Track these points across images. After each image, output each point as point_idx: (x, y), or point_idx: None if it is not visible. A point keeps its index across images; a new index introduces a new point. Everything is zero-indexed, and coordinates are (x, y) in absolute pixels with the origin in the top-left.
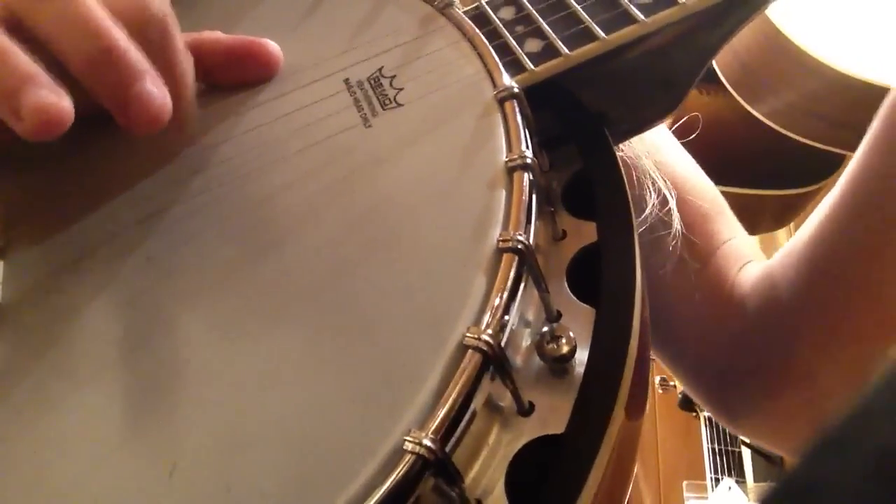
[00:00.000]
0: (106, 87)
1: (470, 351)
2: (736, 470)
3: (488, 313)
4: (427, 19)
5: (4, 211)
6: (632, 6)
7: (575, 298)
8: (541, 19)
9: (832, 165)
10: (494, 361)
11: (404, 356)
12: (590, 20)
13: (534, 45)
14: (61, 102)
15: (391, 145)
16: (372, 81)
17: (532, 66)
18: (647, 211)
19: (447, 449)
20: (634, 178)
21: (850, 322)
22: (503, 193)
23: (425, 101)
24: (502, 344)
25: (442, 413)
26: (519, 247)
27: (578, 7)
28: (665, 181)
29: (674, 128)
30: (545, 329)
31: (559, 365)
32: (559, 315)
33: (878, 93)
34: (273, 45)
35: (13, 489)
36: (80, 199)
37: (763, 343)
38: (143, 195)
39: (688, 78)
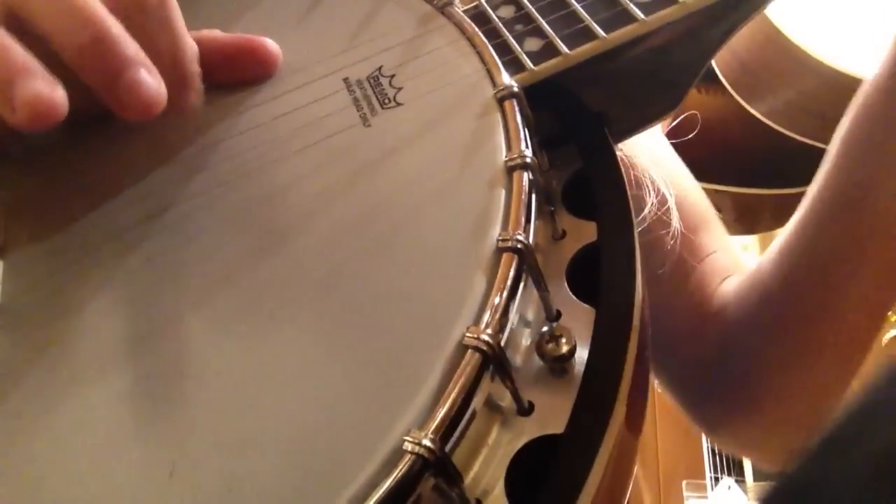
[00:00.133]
0: (98, 75)
1: (469, 351)
2: (735, 469)
3: (488, 313)
4: (426, 18)
5: (4, 209)
6: (632, 5)
7: (575, 298)
8: (540, 18)
9: None
10: (494, 361)
11: (404, 356)
12: (589, 19)
13: (533, 43)
14: (55, 93)
15: (391, 144)
16: (371, 80)
17: (532, 66)
18: (646, 211)
19: (447, 449)
20: (632, 177)
21: (815, 343)
22: (503, 193)
23: (425, 101)
24: (502, 344)
25: (441, 413)
26: (518, 246)
27: (578, 6)
28: (664, 181)
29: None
30: (545, 329)
31: (559, 364)
32: (559, 314)
33: None
34: (272, 44)
35: (13, 489)
36: (81, 197)
37: (734, 359)
38: (144, 194)
39: (688, 76)
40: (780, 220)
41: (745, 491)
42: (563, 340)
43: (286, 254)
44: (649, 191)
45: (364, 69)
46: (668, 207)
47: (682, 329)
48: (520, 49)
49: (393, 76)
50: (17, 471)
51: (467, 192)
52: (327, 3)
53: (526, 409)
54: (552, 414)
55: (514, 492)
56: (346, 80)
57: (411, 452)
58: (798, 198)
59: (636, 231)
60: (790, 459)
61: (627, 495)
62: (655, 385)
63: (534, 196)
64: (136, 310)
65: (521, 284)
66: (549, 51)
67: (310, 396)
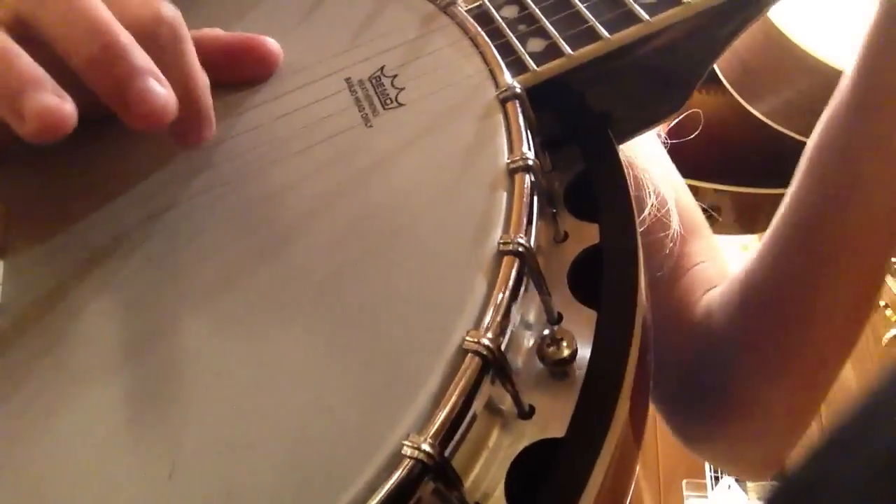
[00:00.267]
0: (107, 84)
1: (469, 355)
2: None
3: (488, 316)
4: (429, 18)
5: (5, 210)
6: (636, 5)
7: (576, 301)
8: (544, 18)
9: None
10: (494, 365)
11: (404, 359)
12: (593, 20)
13: (537, 44)
14: (64, 106)
15: (392, 146)
16: (373, 81)
17: (535, 67)
18: (646, 212)
19: (446, 453)
20: (632, 177)
21: (787, 355)
22: (504, 195)
23: (427, 101)
24: (502, 347)
25: (441, 417)
26: (520, 249)
27: (582, 6)
28: (664, 181)
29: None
30: (546, 332)
31: (560, 368)
32: (560, 317)
33: None
34: (272, 43)
35: (13, 490)
36: (82, 197)
37: (711, 371)
38: (145, 194)
39: (694, 76)
40: None
41: (745, 490)
42: (565, 344)
43: (286, 256)
44: (649, 192)
45: (366, 69)
46: (668, 209)
47: (662, 339)
48: (523, 50)
49: (395, 76)
50: (17, 472)
51: (469, 195)
52: (329, 2)
53: (526, 413)
54: (553, 417)
55: (514, 494)
56: (347, 80)
57: (410, 457)
58: None
59: (639, 234)
60: (764, 473)
61: (629, 498)
62: None
63: (535, 198)
64: (137, 311)
65: (523, 288)
66: (553, 52)
67: (309, 399)
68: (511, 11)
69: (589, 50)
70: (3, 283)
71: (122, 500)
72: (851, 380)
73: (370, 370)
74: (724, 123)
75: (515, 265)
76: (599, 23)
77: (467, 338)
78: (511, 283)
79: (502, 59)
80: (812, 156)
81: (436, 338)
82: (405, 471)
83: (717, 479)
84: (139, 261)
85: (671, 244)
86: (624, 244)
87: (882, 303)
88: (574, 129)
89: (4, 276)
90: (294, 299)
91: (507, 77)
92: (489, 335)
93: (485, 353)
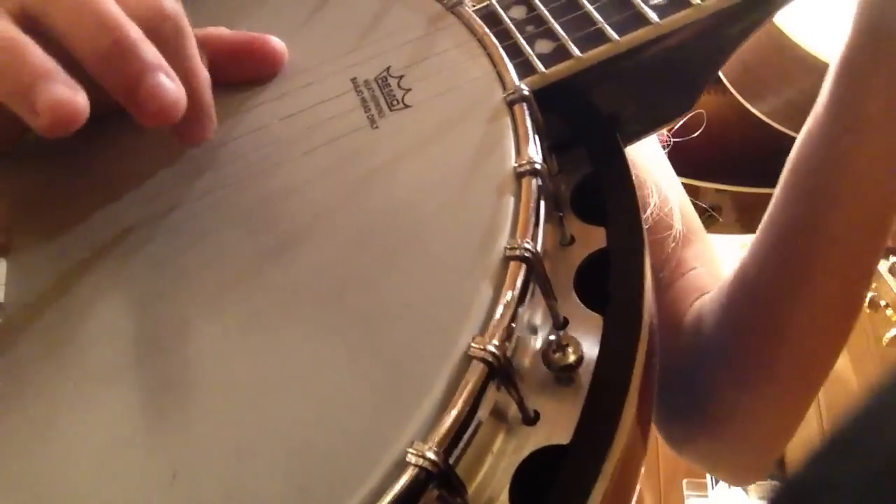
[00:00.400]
0: (118, 79)
1: (475, 361)
2: None
3: (494, 323)
4: (436, 18)
5: (8, 206)
6: (646, 7)
7: (582, 305)
8: (552, 20)
9: None
10: (500, 372)
11: (409, 365)
12: (603, 21)
13: (545, 46)
14: (77, 98)
15: (399, 148)
16: (379, 81)
17: (543, 69)
18: (649, 211)
19: (451, 461)
20: (634, 177)
21: (769, 366)
22: (511, 200)
23: (433, 103)
24: (508, 354)
25: (446, 425)
26: (526, 255)
27: (591, 7)
28: (666, 182)
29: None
30: (552, 338)
31: (565, 374)
32: (566, 322)
33: None
34: (277, 42)
35: (15, 491)
36: (86, 197)
37: (697, 378)
38: (150, 193)
39: (702, 78)
40: None
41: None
42: (570, 350)
43: (291, 261)
44: (651, 191)
45: (372, 69)
46: (671, 209)
47: None
48: (531, 51)
49: (402, 77)
50: (20, 472)
51: (475, 199)
52: (335, 1)
53: (531, 419)
54: (558, 423)
55: (518, 500)
56: (353, 80)
57: (415, 465)
58: None
59: (646, 238)
60: (749, 479)
61: (633, 502)
62: None
63: (542, 203)
64: (143, 313)
65: (529, 293)
66: (561, 53)
67: (314, 405)
68: (519, 12)
69: (598, 52)
70: (9, 283)
71: (123, 502)
72: (852, 380)
73: (375, 376)
74: (725, 123)
75: (522, 271)
76: (608, 24)
77: (473, 344)
78: (517, 289)
79: (510, 60)
80: (789, 173)
81: (441, 344)
82: (409, 478)
83: (717, 478)
84: (144, 262)
85: (673, 244)
86: (631, 249)
87: (882, 302)
88: (581, 131)
89: (11, 275)
90: (299, 305)
91: (515, 79)
92: (495, 342)
93: (490, 359)
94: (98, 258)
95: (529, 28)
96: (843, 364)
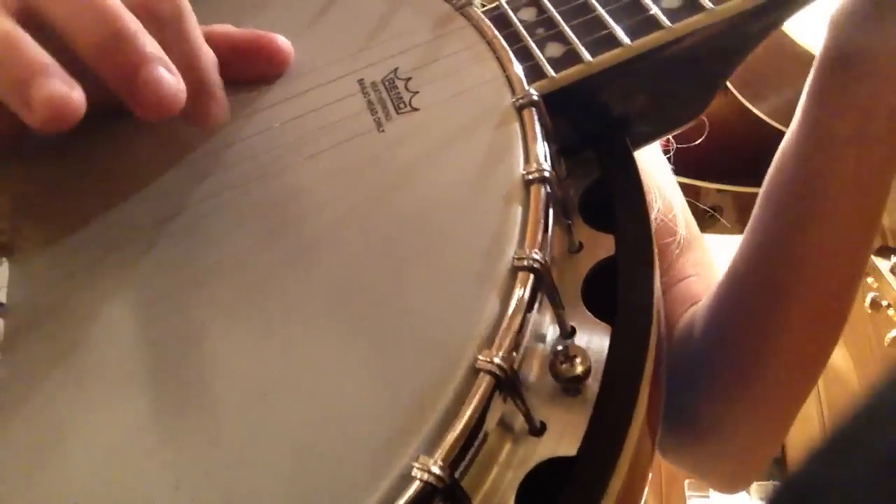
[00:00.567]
0: (116, 71)
1: (482, 374)
2: None
3: (501, 334)
4: (445, 19)
5: (11, 204)
6: (658, 11)
7: (590, 314)
8: (563, 23)
9: None
10: (506, 384)
11: (416, 377)
12: (614, 25)
13: (555, 49)
14: (73, 94)
15: (405, 154)
16: (386, 83)
17: (553, 73)
18: (653, 216)
19: (456, 475)
20: None
21: (752, 379)
22: (519, 210)
23: (441, 107)
24: (515, 366)
25: (451, 439)
26: (535, 266)
27: (603, 11)
28: (669, 186)
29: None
30: (559, 348)
31: (573, 385)
32: (573, 330)
33: None
34: (283, 40)
35: (17, 493)
36: (91, 198)
37: (679, 387)
38: (156, 195)
39: (717, 79)
40: None
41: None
42: (578, 360)
43: (299, 268)
44: (655, 196)
45: (379, 71)
46: (675, 214)
47: None
48: (541, 55)
49: (409, 79)
50: (23, 476)
51: (483, 207)
52: (341, 2)
53: (538, 429)
54: (565, 434)
55: None
56: (360, 81)
57: (420, 480)
58: None
59: (655, 247)
60: (736, 488)
61: None
62: None
63: (551, 212)
64: (151, 318)
65: (536, 304)
66: (572, 57)
67: (319, 416)
68: (529, 14)
69: (609, 56)
70: (15, 285)
71: None
72: (854, 380)
73: (382, 387)
74: (726, 123)
75: (530, 281)
76: (620, 28)
77: (480, 357)
78: (525, 300)
79: (520, 63)
80: (764, 193)
81: (448, 356)
82: (414, 493)
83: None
84: (152, 264)
85: (677, 250)
86: (639, 257)
87: (885, 303)
88: (590, 135)
89: (17, 277)
90: (308, 313)
91: (525, 84)
92: (502, 354)
93: (497, 372)
94: (105, 260)
95: (540, 31)
96: (845, 364)
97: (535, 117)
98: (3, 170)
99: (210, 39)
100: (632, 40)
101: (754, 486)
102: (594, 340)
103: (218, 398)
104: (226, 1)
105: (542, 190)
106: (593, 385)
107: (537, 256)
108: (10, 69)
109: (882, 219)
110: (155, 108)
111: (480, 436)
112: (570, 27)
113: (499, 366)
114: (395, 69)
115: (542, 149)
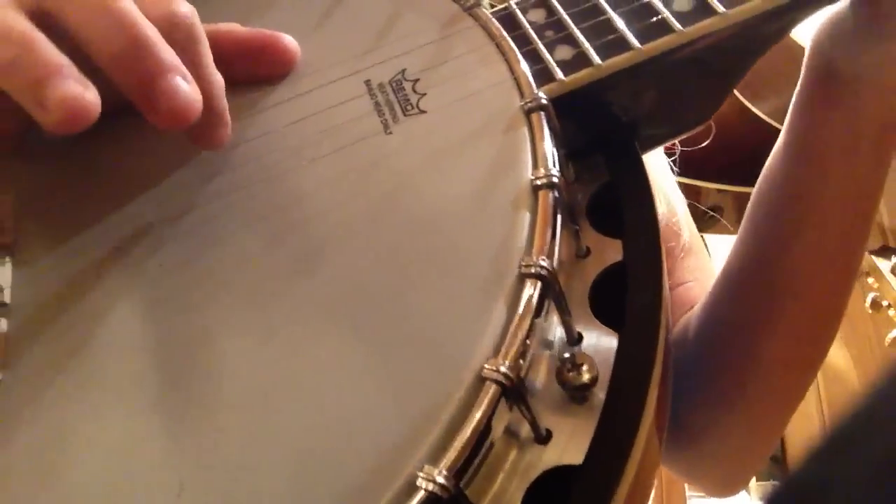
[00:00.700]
0: (134, 79)
1: (488, 382)
2: None
3: (508, 342)
4: (453, 20)
5: (11, 204)
6: (669, 15)
7: (598, 321)
8: (573, 25)
9: None
10: (512, 393)
11: (421, 385)
12: (625, 28)
13: (564, 52)
14: (88, 95)
15: (413, 157)
16: (394, 84)
17: (562, 76)
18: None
19: (461, 484)
20: None
21: (741, 386)
22: (527, 216)
23: (449, 109)
24: (521, 374)
25: (457, 448)
26: (542, 272)
27: (613, 14)
28: (673, 189)
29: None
30: (566, 356)
31: (580, 393)
32: (580, 337)
33: None
34: (289, 40)
35: (20, 495)
36: (95, 197)
37: (676, 393)
38: (162, 195)
39: (728, 83)
40: None
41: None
42: (585, 368)
43: (306, 272)
44: (660, 200)
45: (386, 72)
46: (678, 219)
47: None
48: (550, 58)
49: (416, 81)
50: (26, 479)
51: (490, 212)
52: (348, 2)
53: (544, 437)
54: (571, 442)
55: None
56: (367, 82)
57: (425, 490)
58: None
59: (664, 253)
60: (728, 493)
61: None
62: None
63: (559, 217)
64: (157, 321)
65: (543, 311)
66: (581, 61)
67: (324, 423)
68: (538, 16)
69: (619, 60)
70: (13, 284)
71: None
72: (854, 380)
73: (386, 394)
74: (727, 123)
75: (537, 289)
76: (630, 32)
77: (486, 366)
78: (532, 308)
79: (529, 66)
80: (752, 207)
81: (454, 364)
82: (419, 503)
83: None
84: (158, 266)
85: (681, 254)
86: (648, 264)
87: (885, 303)
88: (598, 139)
89: (15, 276)
90: (315, 319)
91: (534, 87)
92: (508, 363)
93: (503, 381)
94: (110, 260)
95: (549, 33)
96: (846, 364)
97: (544, 121)
98: (7, 168)
99: (216, 39)
100: (642, 44)
101: (754, 485)
102: (601, 346)
103: (222, 401)
104: (232, 1)
105: (551, 195)
106: (600, 393)
107: (545, 263)
108: (26, 70)
109: (875, 222)
110: (170, 118)
111: (486, 445)
112: (580, 30)
113: (505, 374)
114: (403, 70)
115: (550, 153)
